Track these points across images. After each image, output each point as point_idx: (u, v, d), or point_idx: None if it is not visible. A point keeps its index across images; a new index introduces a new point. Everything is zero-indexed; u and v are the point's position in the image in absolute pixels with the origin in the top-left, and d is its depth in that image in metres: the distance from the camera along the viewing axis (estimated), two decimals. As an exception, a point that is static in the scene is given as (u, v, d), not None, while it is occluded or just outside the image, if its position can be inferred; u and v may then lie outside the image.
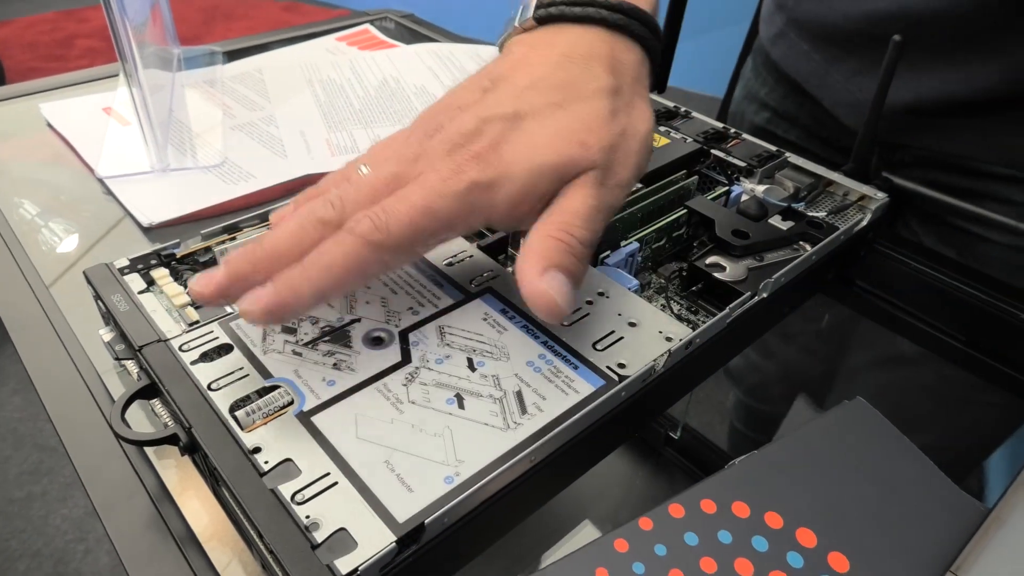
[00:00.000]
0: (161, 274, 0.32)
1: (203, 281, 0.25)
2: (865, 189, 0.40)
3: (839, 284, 0.44)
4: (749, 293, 0.33)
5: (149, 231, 0.41)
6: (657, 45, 0.33)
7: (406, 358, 0.28)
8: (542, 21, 0.32)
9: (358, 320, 0.30)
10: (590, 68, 0.30)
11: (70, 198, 0.45)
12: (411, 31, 0.69)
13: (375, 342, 0.29)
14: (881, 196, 0.40)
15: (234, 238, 0.34)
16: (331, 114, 0.53)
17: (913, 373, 0.58)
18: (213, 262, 0.33)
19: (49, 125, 0.51)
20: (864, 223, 0.39)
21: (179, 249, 0.33)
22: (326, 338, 0.29)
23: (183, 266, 0.33)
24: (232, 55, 0.62)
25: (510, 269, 0.35)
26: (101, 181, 0.45)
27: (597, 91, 0.29)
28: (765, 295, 0.33)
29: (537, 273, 0.25)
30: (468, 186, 0.26)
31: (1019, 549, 0.25)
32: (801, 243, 0.37)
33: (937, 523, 0.27)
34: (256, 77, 0.58)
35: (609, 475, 0.64)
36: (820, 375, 0.73)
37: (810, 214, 0.39)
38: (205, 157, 0.47)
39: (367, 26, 0.67)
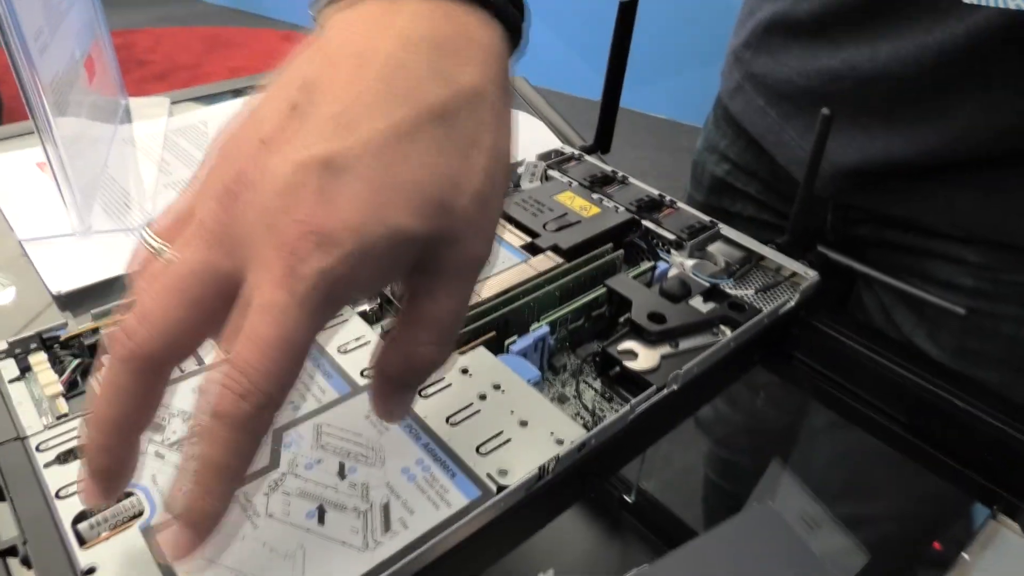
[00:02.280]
0: (38, 360, 0.30)
1: (85, 498, 0.22)
2: (796, 266, 0.39)
3: (777, 357, 0.42)
4: (655, 387, 0.31)
5: (60, 299, 0.40)
6: (520, 20, 0.24)
7: (275, 462, 0.27)
8: None
9: (233, 416, 0.28)
10: (440, 61, 0.21)
11: (-11, 261, 0.44)
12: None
13: (246, 442, 0.27)
14: (812, 275, 0.38)
15: (125, 318, 0.33)
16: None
17: (871, 439, 0.56)
18: (93, 347, 0.32)
19: (-18, 180, 0.50)
20: (791, 304, 0.37)
21: (64, 331, 0.32)
22: (194, 439, 0.27)
23: (65, 351, 0.31)
24: (182, 105, 0.62)
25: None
26: (20, 243, 0.44)
27: (451, 103, 0.21)
28: (675, 387, 0.32)
29: (389, 402, 0.23)
30: (315, 281, 0.19)
31: None
32: (722, 327, 0.35)
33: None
34: (200, 130, 0.57)
35: (562, 538, 0.62)
36: (786, 427, 0.72)
37: (736, 293, 0.38)
38: (131, 218, 0.46)
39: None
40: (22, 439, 0.27)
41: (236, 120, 0.21)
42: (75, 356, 0.31)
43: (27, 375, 0.30)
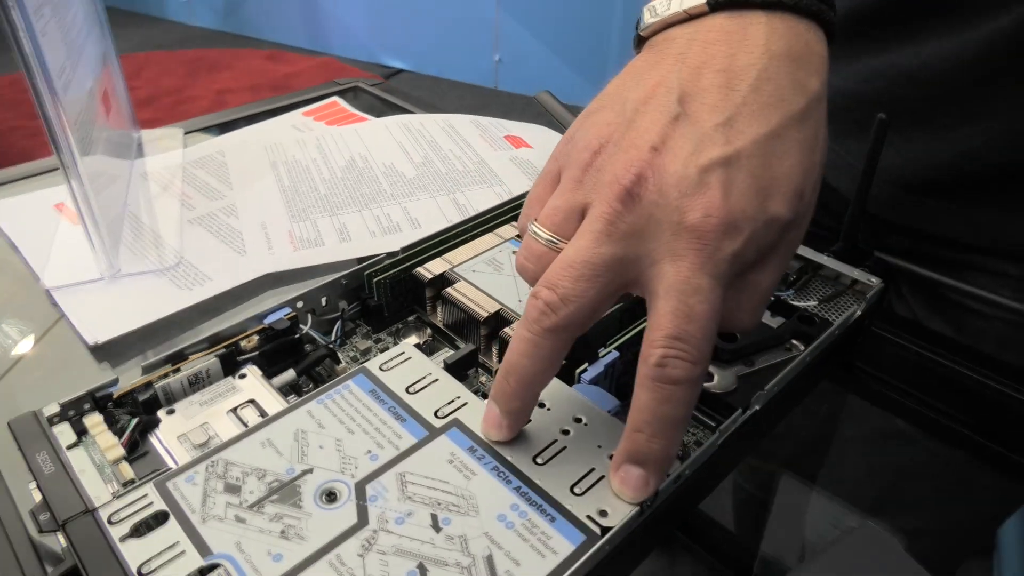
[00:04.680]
0: (94, 422, 0.29)
1: (492, 431, 0.27)
2: (857, 274, 0.38)
3: (837, 367, 0.41)
4: (740, 409, 0.30)
5: (96, 349, 0.38)
6: (834, 20, 0.28)
7: (363, 519, 0.25)
8: (718, 7, 0.26)
9: (310, 471, 0.27)
10: (795, 74, 0.25)
11: (13, 312, 0.42)
12: (383, 101, 0.67)
13: (329, 498, 0.26)
14: (875, 282, 0.37)
15: (178, 369, 0.31)
16: (295, 201, 0.50)
17: (910, 451, 0.55)
18: (154, 400, 0.30)
19: (-2, 225, 0.48)
20: (859, 313, 0.36)
21: (116, 387, 0.30)
22: (273, 497, 0.26)
23: (120, 410, 0.30)
24: (196, 135, 0.60)
25: (478, 395, 0.32)
26: (48, 291, 0.42)
27: (807, 109, 0.25)
28: (758, 408, 0.31)
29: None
30: (729, 264, 0.24)
31: None
32: (793, 342, 0.34)
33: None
34: (218, 160, 0.55)
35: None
36: (819, 438, 0.70)
37: (801, 305, 0.37)
38: (159, 258, 0.44)
39: (335, 99, 0.65)
40: (92, 511, 0.25)
41: (610, 132, 0.25)
42: (132, 415, 0.29)
43: (84, 439, 0.28)
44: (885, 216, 0.48)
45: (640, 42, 0.29)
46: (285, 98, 0.66)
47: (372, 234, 0.47)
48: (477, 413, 0.29)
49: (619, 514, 0.25)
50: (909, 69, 0.43)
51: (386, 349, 0.37)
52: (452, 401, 0.30)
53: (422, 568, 0.24)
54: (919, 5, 0.42)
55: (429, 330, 0.38)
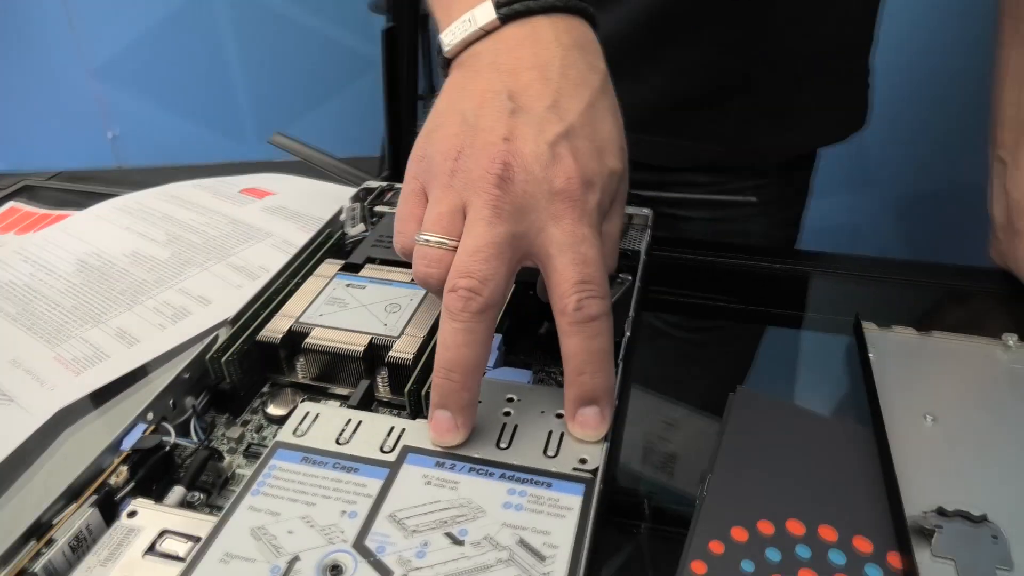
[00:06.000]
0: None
1: (447, 437, 0.28)
2: (631, 209, 0.45)
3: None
4: (622, 337, 0.35)
5: None
6: (596, 17, 0.33)
7: (384, 571, 0.24)
8: (507, 19, 0.31)
9: (297, 559, 0.24)
10: (586, 59, 0.31)
11: None
12: (69, 193, 0.58)
13: (335, 572, 0.24)
14: (647, 212, 0.45)
15: (50, 541, 0.25)
16: (39, 325, 0.42)
17: (666, 342, 0.67)
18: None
19: None
20: (650, 239, 0.43)
21: (-21, 595, 0.23)
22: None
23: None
24: None
25: (416, 419, 0.31)
26: None
27: (603, 83, 0.31)
28: (628, 333, 0.35)
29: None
30: (598, 211, 0.29)
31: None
32: (620, 276, 0.40)
33: (858, 461, 0.31)
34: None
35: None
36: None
37: (607, 246, 0.43)
38: None
39: (11, 204, 0.54)
40: None
41: (456, 142, 0.29)
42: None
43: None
44: None
45: (446, 64, 0.33)
46: (-63, 220, 0.53)
47: (160, 327, 0.42)
48: (420, 432, 0.29)
49: (595, 455, 0.28)
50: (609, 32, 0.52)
51: (261, 427, 0.34)
52: (390, 432, 0.29)
53: (473, 581, 0.23)
54: None
55: (292, 390, 0.36)
